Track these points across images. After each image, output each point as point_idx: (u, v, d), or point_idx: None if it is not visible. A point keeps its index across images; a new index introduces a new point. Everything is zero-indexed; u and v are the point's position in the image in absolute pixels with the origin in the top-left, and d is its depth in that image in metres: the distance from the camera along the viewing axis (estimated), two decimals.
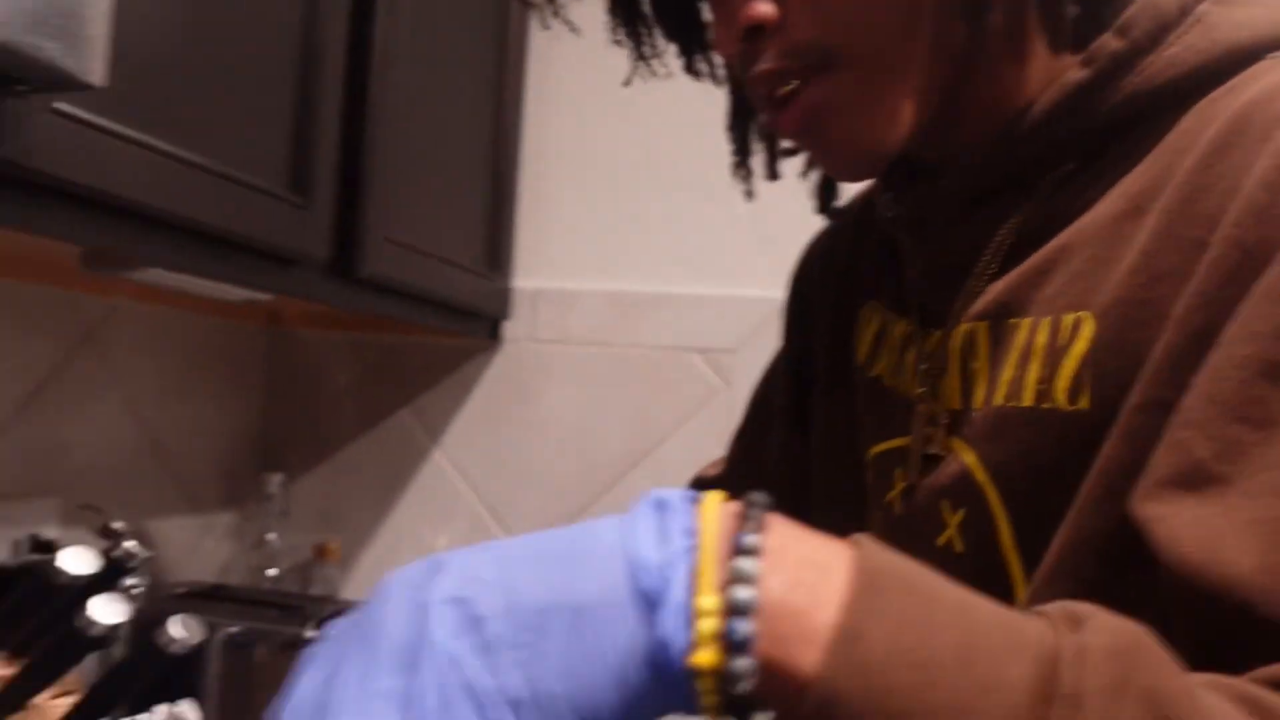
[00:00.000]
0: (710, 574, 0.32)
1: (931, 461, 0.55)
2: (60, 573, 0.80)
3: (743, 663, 0.31)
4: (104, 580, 0.84)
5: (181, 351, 1.39)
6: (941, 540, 0.54)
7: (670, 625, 0.32)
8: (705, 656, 0.31)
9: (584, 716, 0.32)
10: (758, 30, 0.51)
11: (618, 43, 0.61)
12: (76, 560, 0.81)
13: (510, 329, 1.50)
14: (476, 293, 1.38)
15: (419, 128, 1.20)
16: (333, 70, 1.02)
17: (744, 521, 0.34)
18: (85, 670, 0.94)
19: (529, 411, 1.49)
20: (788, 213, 1.33)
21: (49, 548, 1.15)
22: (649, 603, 0.32)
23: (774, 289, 1.49)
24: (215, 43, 0.86)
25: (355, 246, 1.07)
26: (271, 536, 1.43)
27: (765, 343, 1.39)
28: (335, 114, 1.03)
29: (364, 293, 1.13)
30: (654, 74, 0.62)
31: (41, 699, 0.88)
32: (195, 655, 1.08)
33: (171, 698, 0.87)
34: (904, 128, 0.52)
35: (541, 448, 1.49)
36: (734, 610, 0.32)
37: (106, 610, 0.79)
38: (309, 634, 1.15)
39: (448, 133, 1.29)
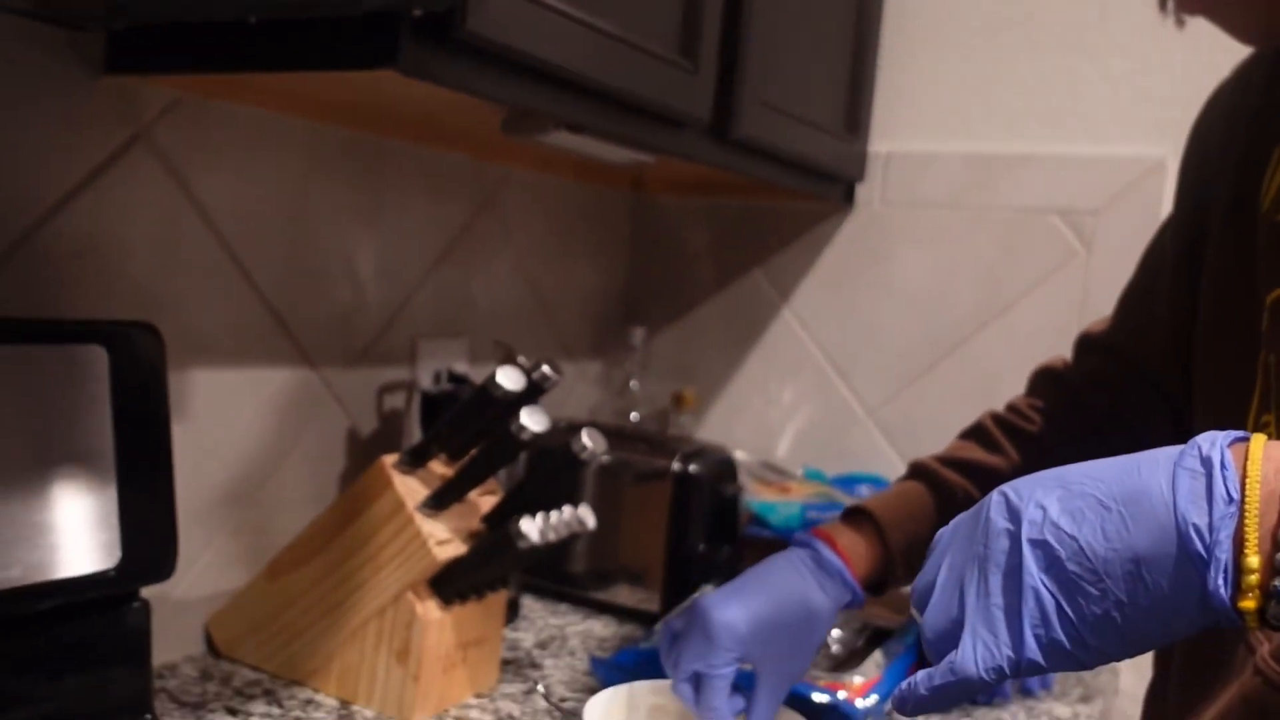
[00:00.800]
0: (1253, 537, 0.39)
1: None
2: (497, 387, 0.92)
3: None
4: (525, 398, 0.98)
5: (560, 215, 1.50)
6: None
7: (1218, 580, 0.39)
8: (1250, 602, 0.39)
9: (1134, 637, 0.41)
10: None
11: None
12: (509, 378, 0.93)
13: (863, 191, 1.49)
14: (835, 155, 1.38)
15: None
16: None
17: None
18: (499, 476, 1.10)
19: (878, 272, 1.49)
20: (1166, 68, 1.25)
21: (461, 380, 1.33)
22: (1198, 559, 0.39)
23: (1147, 145, 1.41)
24: None
25: (733, 109, 1.10)
26: (634, 384, 1.54)
27: (1132, 203, 1.33)
28: None
29: (737, 154, 1.16)
30: None
31: (473, 495, 1.04)
32: (591, 466, 1.23)
33: (573, 502, 0.99)
34: None
35: (889, 308, 1.49)
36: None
37: (534, 419, 0.92)
38: (674, 466, 1.28)
39: None
